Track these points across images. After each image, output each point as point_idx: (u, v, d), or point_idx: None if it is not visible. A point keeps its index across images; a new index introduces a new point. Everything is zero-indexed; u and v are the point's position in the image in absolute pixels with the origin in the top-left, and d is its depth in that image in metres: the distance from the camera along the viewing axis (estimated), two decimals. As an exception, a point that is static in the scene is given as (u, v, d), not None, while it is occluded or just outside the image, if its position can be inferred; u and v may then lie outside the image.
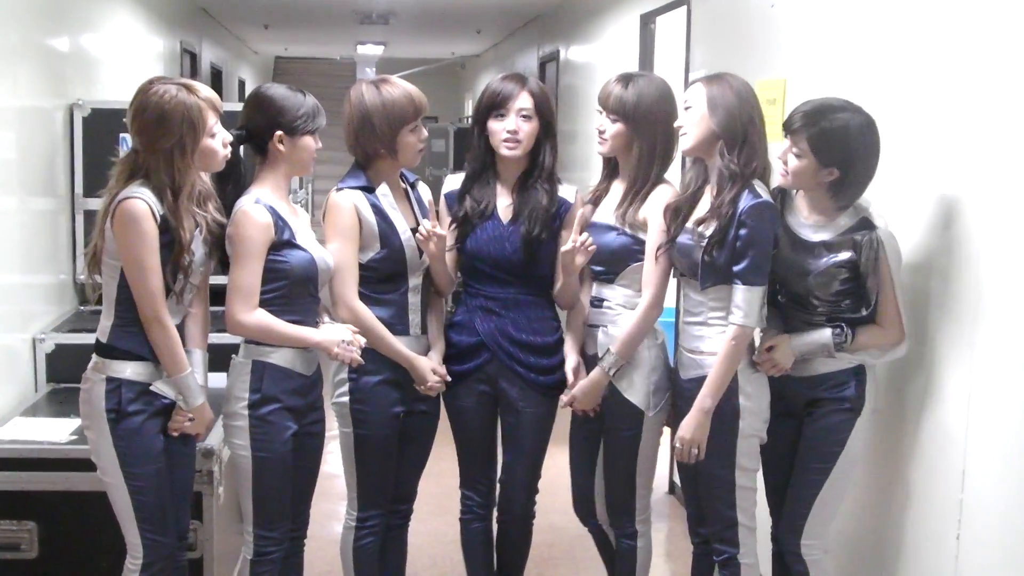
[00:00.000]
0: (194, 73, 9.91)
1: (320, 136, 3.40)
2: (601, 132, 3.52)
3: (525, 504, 3.72)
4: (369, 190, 3.48)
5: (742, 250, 3.18)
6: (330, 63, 19.73)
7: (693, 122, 3.29)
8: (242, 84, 14.68)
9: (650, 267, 3.43)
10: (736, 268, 3.20)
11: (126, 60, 6.75)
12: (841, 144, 3.11)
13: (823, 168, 3.14)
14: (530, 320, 3.57)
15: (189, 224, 3.12)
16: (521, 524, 3.76)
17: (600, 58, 8.15)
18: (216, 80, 11.78)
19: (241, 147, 3.34)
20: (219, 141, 3.17)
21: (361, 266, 3.47)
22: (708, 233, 3.24)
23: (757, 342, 3.38)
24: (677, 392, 3.47)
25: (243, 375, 3.30)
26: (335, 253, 3.41)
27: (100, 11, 6.28)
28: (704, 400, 3.24)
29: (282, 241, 3.25)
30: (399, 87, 3.48)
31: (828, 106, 3.17)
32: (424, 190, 3.71)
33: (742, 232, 3.18)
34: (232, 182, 3.32)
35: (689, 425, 3.28)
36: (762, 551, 3.45)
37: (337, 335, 3.32)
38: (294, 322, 3.28)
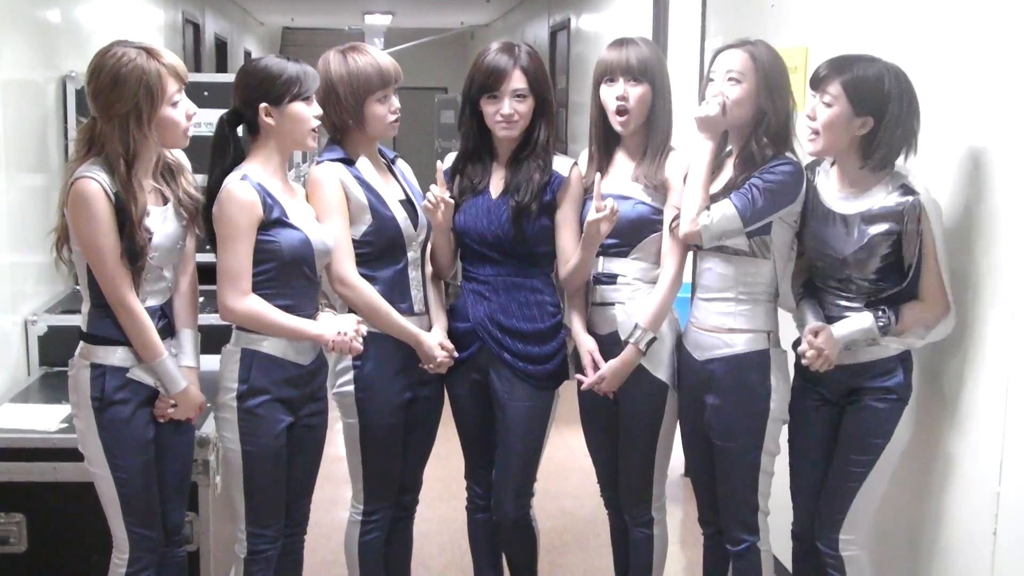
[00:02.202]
0: (197, 45, 9.74)
1: None
2: (623, 101, 3.31)
3: (514, 506, 3.50)
4: (349, 162, 3.32)
5: (743, 187, 3.06)
6: (338, 33, 19.50)
7: (738, 98, 3.10)
8: (248, 56, 14.48)
9: (670, 237, 3.27)
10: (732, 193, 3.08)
11: (123, 31, 6.52)
12: (875, 88, 2.95)
13: (856, 117, 2.96)
14: (521, 305, 3.40)
15: (143, 199, 2.94)
16: (513, 526, 3.54)
17: (612, 27, 7.97)
18: (221, 52, 11.63)
19: (239, 128, 3.16)
20: (181, 112, 2.99)
21: (354, 243, 3.30)
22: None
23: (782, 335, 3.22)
24: (688, 373, 3.31)
25: (232, 364, 3.13)
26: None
27: (95, -20, 6.09)
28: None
29: (271, 220, 3.07)
30: (366, 55, 3.30)
31: (859, 56, 3.03)
32: (405, 167, 3.54)
33: (753, 174, 3.06)
34: (226, 165, 3.12)
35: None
36: (779, 543, 3.29)
37: (334, 325, 3.14)
38: (286, 307, 3.11)
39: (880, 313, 3.01)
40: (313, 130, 3.16)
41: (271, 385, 3.13)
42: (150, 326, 2.99)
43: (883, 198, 3.00)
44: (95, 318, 3.03)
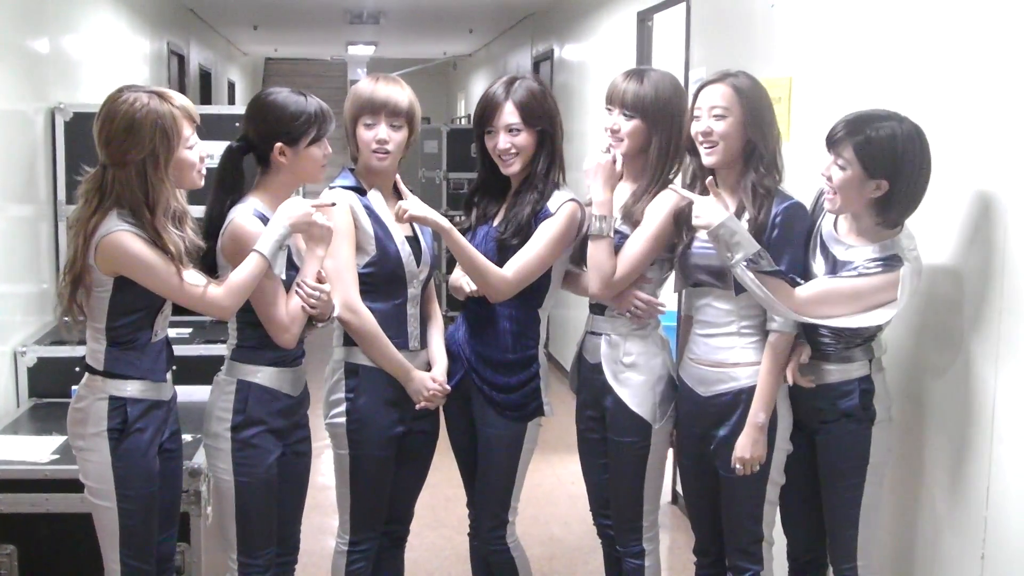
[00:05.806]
0: (182, 75, 9.76)
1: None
2: (615, 131, 3.33)
3: (490, 532, 3.48)
4: (360, 191, 3.32)
5: (776, 254, 3.04)
6: (321, 64, 19.58)
7: (725, 132, 3.10)
8: (231, 86, 14.53)
9: (631, 249, 3.26)
10: None
11: (110, 62, 6.60)
12: (888, 152, 2.91)
13: (870, 180, 2.94)
14: (497, 333, 3.39)
15: (175, 239, 2.92)
16: (489, 551, 3.51)
17: (595, 57, 8.03)
18: (205, 82, 11.64)
19: (244, 158, 3.17)
20: (196, 154, 2.99)
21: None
22: None
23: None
24: (692, 408, 3.29)
25: (226, 394, 3.14)
26: (331, 256, 3.21)
27: (82, 11, 6.11)
28: (757, 415, 3.10)
29: None
30: (375, 82, 3.33)
31: (873, 114, 2.99)
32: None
33: (775, 235, 3.05)
34: (234, 197, 3.13)
35: (746, 444, 3.12)
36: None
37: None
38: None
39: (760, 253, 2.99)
40: (323, 167, 3.19)
41: (267, 416, 3.14)
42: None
43: (872, 259, 3.00)
44: (114, 357, 2.98)
